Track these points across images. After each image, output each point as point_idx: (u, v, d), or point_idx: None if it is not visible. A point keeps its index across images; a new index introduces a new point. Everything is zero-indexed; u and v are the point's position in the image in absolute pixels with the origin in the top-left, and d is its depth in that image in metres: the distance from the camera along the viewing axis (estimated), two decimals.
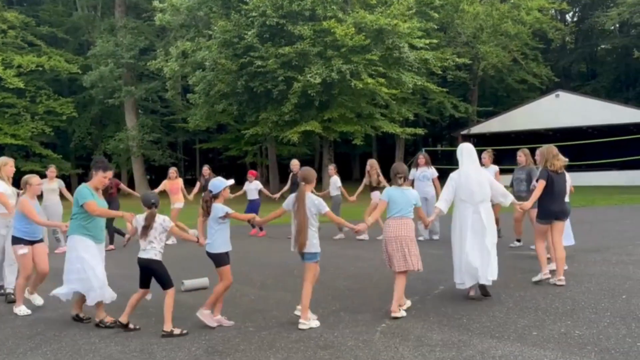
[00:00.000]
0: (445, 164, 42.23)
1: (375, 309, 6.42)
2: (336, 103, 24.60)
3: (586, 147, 29.06)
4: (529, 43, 35.26)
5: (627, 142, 26.26)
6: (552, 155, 7.29)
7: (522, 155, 10.24)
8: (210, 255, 6.01)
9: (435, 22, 27.85)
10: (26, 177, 7.07)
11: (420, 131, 27.30)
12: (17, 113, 32.25)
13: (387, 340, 5.31)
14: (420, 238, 10.89)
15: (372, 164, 12.45)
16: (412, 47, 24.39)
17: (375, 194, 11.80)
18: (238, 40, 23.44)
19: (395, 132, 26.39)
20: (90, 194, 6.20)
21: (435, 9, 27.47)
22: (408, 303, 6.39)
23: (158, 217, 5.87)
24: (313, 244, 5.81)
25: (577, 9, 45.47)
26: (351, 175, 41.22)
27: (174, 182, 13.07)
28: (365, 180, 12.50)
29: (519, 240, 10.45)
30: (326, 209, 5.91)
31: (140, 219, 5.89)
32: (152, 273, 5.92)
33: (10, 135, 31.54)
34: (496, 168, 11.42)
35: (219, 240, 5.96)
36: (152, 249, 5.86)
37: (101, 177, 6.35)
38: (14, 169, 7.82)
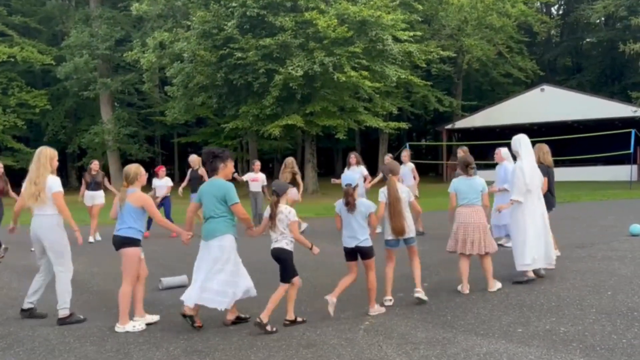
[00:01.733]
0: (430, 159, 42.53)
1: (358, 306, 6.42)
2: (318, 96, 24.59)
3: (571, 142, 29.39)
4: (514, 36, 35.57)
5: (612, 137, 26.59)
6: (543, 152, 8.09)
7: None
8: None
9: (419, 14, 27.98)
10: (136, 167, 6.20)
11: (404, 125, 27.41)
12: None
13: (370, 338, 5.31)
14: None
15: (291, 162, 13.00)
16: (396, 39, 24.45)
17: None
18: (217, 31, 23.31)
19: (378, 127, 26.45)
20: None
21: (419, 0, 27.55)
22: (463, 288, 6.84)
23: (280, 207, 5.85)
24: (412, 228, 6.47)
25: (562, 2, 45.90)
26: (334, 171, 41.25)
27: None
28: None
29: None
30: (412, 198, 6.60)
31: (267, 211, 5.95)
32: (280, 263, 5.87)
33: None
34: (412, 165, 12.39)
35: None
36: (283, 239, 5.82)
37: (231, 168, 6.18)
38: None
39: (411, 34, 24.80)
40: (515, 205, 7.26)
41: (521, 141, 7.34)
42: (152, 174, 13.91)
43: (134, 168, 6.16)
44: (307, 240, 5.93)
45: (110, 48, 32.09)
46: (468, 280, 6.83)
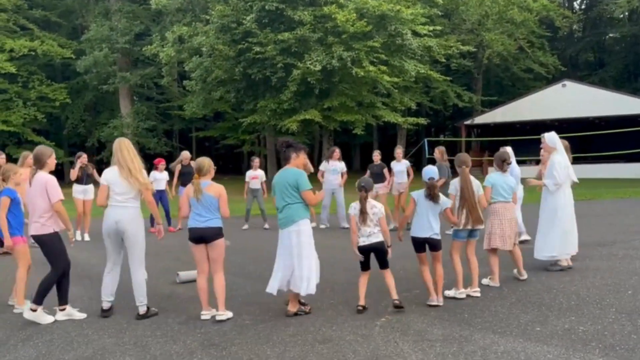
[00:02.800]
0: (449, 155, 42.03)
1: (374, 302, 6.42)
2: (336, 91, 24.54)
3: (592, 138, 29.07)
4: (536, 31, 35.18)
5: (634, 134, 26.24)
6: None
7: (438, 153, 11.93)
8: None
9: (439, 8, 27.74)
10: (206, 159, 6.27)
11: (422, 121, 27.25)
12: (9, 99, 32.13)
13: (386, 335, 5.31)
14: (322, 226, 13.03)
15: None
16: (415, 34, 24.31)
17: None
18: (236, 25, 23.35)
19: (397, 122, 26.35)
20: None
21: None
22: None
23: (369, 201, 6.06)
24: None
25: None
26: (352, 166, 41.20)
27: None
28: None
29: None
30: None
31: (356, 206, 6.11)
32: (378, 253, 6.12)
33: (2, 121, 31.43)
34: (408, 163, 12.89)
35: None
36: (378, 232, 6.05)
37: (303, 159, 6.36)
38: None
39: (431, 28, 24.64)
40: (547, 197, 7.71)
41: (556, 138, 7.83)
42: (151, 167, 13.89)
43: (207, 161, 6.24)
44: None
45: (130, 42, 32.28)
46: (478, 277, 6.81)
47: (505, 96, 38.46)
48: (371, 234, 6.02)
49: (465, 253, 6.68)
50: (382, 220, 6.09)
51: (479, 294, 6.50)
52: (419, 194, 6.30)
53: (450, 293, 6.51)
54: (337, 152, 13.08)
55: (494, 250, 6.99)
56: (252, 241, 11.58)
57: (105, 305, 6.29)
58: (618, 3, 33.28)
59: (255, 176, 13.58)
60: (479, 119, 33.90)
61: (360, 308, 6.05)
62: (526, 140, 25.31)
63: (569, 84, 31.03)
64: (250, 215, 13.73)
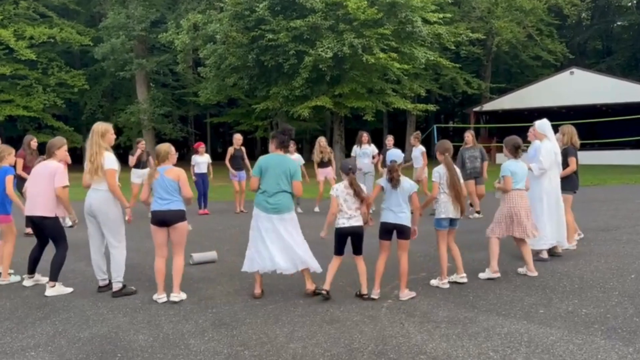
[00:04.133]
0: (458, 141, 41.87)
1: (381, 284, 6.41)
2: (347, 78, 24.43)
3: (600, 125, 28.79)
4: (544, 19, 34.78)
5: None
6: (574, 134, 8.03)
7: (470, 136, 11.58)
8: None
9: None
10: (168, 146, 6.29)
11: (432, 107, 27.08)
12: (29, 85, 32.31)
13: (392, 316, 5.31)
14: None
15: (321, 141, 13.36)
16: (425, 21, 24.10)
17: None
18: (249, 12, 23.25)
19: (406, 109, 26.21)
20: None
21: None
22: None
23: (361, 185, 5.99)
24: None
25: None
26: None
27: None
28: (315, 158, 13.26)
29: (478, 212, 11.46)
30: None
31: (340, 187, 5.90)
32: (358, 238, 5.95)
33: (23, 107, 31.69)
34: (423, 148, 12.68)
35: None
36: (357, 218, 5.88)
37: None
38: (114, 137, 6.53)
39: (441, 15, 24.41)
40: (532, 183, 7.17)
41: (548, 125, 7.50)
42: (190, 151, 13.93)
43: (165, 147, 6.23)
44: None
45: (146, 29, 32.25)
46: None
47: (513, 83, 38.15)
48: (352, 217, 5.85)
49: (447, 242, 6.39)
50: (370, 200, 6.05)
51: (465, 280, 6.37)
52: (384, 180, 5.99)
53: (434, 282, 6.34)
54: (365, 135, 12.81)
55: (498, 239, 6.69)
56: None
57: (101, 282, 6.48)
58: None
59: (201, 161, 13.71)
60: (488, 106, 33.65)
61: (325, 293, 5.84)
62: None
63: (577, 72, 30.69)
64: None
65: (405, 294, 5.90)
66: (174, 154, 6.25)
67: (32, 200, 6.43)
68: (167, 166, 6.13)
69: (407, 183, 5.90)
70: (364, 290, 5.93)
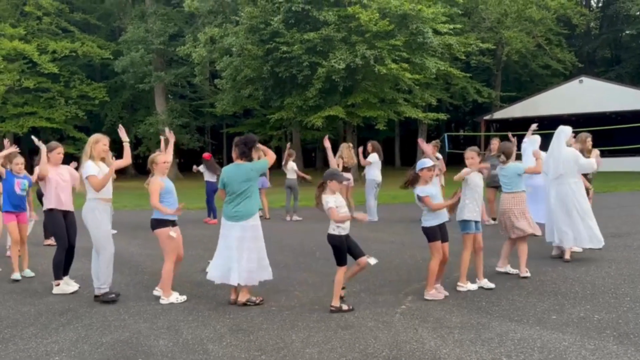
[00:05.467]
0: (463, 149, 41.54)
1: (395, 290, 6.40)
2: (360, 88, 24.47)
3: (609, 132, 28.48)
4: (553, 29, 34.59)
5: None
6: (587, 141, 8.41)
7: (496, 143, 11.53)
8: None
9: (460, 7, 27.43)
10: (152, 155, 6.37)
11: (442, 116, 27.04)
12: (52, 97, 32.73)
13: (406, 322, 5.28)
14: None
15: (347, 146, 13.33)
16: (436, 32, 24.09)
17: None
18: (264, 26, 23.41)
19: (418, 117, 26.17)
20: None
21: None
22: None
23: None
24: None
25: None
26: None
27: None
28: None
29: (494, 219, 11.12)
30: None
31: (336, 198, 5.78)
32: (351, 246, 5.81)
33: (46, 118, 32.08)
34: (440, 156, 12.26)
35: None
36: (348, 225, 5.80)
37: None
38: (107, 148, 6.48)
39: (451, 26, 24.40)
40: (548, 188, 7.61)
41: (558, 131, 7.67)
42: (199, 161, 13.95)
43: (151, 157, 6.37)
44: None
45: (164, 43, 32.56)
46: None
47: (523, 92, 37.90)
48: (343, 227, 5.75)
49: (469, 246, 6.37)
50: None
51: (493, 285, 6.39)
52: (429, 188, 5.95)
53: (472, 286, 6.31)
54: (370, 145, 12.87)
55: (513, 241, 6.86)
56: (275, 232, 11.58)
57: (96, 291, 6.41)
58: (635, 0, 32.55)
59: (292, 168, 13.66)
60: (498, 114, 33.47)
61: (338, 308, 5.65)
62: (543, 134, 24.94)
63: (586, 80, 30.48)
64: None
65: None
66: (158, 163, 6.27)
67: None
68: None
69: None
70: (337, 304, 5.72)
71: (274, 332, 5.15)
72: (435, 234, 5.94)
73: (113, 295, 6.35)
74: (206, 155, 13.94)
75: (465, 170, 6.31)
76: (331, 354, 4.57)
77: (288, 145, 15.03)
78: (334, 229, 5.71)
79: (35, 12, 32.29)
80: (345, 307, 5.68)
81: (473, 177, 6.29)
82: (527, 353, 4.38)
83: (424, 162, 6.00)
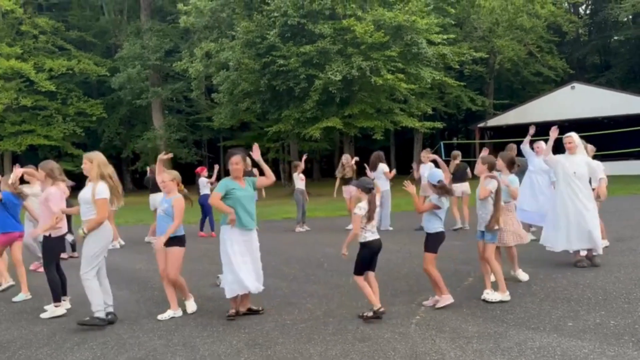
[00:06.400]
0: (462, 157, 41.73)
1: (407, 301, 6.34)
2: (356, 99, 24.50)
3: (602, 137, 28.56)
4: (544, 36, 34.82)
5: None
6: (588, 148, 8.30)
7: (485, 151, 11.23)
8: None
9: (452, 17, 27.56)
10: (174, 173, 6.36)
11: (439, 125, 27.09)
12: (50, 115, 32.65)
13: (423, 332, 5.23)
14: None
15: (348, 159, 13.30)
16: (430, 42, 24.17)
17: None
18: (260, 40, 23.42)
19: (414, 127, 26.21)
20: None
21: (451, 4, 27.23)
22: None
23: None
24: None
25: (590, 2, 44.75)
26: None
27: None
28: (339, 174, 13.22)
29: None
30: None
31: (363, 205, 5.79)
32: (377, 254, 5.89)
33: (44, 136, 31.99)
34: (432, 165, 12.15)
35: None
36: (376, 231, 5.84)
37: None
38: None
39: (445, 36, 24.49)
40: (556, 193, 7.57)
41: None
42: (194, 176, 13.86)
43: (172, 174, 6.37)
44: None
45: (160, 59, 32.58)
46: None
47: (515, 99, 38.06)
48: (374, 231, 5.81)
49: (490, 255, 6.20)
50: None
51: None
52: (435, 198, 5.91)
53: (497, 296, 6.07)
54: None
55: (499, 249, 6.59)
56: (282, 243, 11.51)
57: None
58: (623, 7, 32.81)
59: (302, 178, 13.56)
60: (492, 122, 33.57)
61: (382, 310, 5.73)
62: (537, 140, 25.02)
63: (578, 86, 30.63)
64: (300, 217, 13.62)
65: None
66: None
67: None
68: (172, 195, 6.24)
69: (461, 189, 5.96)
70: (379, 305, 5.74)
71: (290, 346, 5.09)
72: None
73: (98, 319, 6.02)
74: (199, 169, 13.85)
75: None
76: None
77: (304, 157, 14.86)
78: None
79: (31, 31, 32.28)
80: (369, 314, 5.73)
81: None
82: None
83: (437, 175, 5.99)
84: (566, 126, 29.58)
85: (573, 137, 7.65)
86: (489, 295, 6.09)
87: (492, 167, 6.27)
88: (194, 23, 26.89)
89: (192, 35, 31.42)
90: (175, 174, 6.39)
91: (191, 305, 6.39)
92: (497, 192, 6.07)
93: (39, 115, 32.60)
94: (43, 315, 6.51)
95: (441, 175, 6.00)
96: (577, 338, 4.81)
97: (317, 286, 7.39)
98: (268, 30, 23.06)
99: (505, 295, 6.04)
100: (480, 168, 6.37)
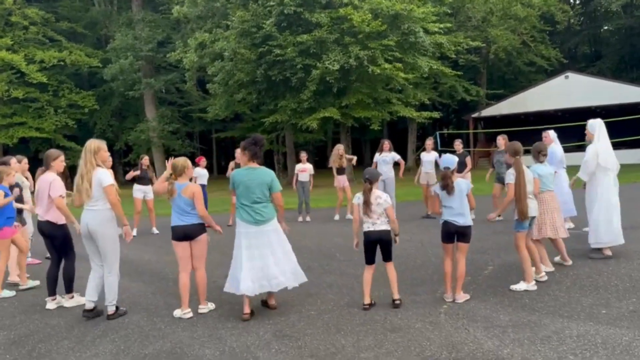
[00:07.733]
0: (452, 147, 41.62)
1: (430, 290, 6.25)
2: (353, 89, 24.28)
3: None
4: (537, 26, 34.77)
5: (636, 121, 25.85)
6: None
7: (502, 140, 11.31)
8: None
9: (447, 6, 27.40)
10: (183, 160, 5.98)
11: (436, 114, 26.96)
12: (41, 107, 32.13)
13: (454, 322, 5.12)
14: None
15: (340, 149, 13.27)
16: (427, 31, 24.01)
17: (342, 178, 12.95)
18: (256, 29, 23.11)
19: (411, 116, 26.08)
20: None
21: None
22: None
23: (373, 192, 5.70)
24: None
25: None
26: (363, 161, 40.89)
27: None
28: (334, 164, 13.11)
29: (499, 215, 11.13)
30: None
31: (359, 194, 5.74)
32: (383, 244, 5.72)
33: (35, 128, 31.49)
34: (437, 154, 12.13)
35: None
36: (382, 222, 5.67)
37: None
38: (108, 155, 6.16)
39: (441, 25, 24.34)
40: (592, 185, 7.27)
41: (601, 125, 7.43)
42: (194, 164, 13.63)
43: (181, 161, 5.94)
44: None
45: (153, 50, 32.11)
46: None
47: (508, 89, 38.07)
48: (375, 223, 5.66)
49: (519, 244, 6.05)
50: (390, 210, 5.69)
51: (545, 277, 6.22)
52: (438, 187, 5.83)
53: (522, 286, 5.97)
54: (386, 143, 12.40)
55: (539, 241, 6.52)
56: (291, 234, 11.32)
57: (88, 305, 5.96)
58: None
59: (303, 169, 13.37)
60: (486, 112, 33.53)
61: (367, 307, 5.65)
62: (530, 130, 25.05)
63: (572, 76, 30.64)
64: (302, 207, 13.45)
65: (461, 297, 5.74)
66: (190, 168, 6.00)
67: (39, 210, 6.44)
68: (184, 183, 5.85)
69: (463, 184, 5.78)
70: (396, 296, 5.71)
71: (320, 337, 4.97)
72: None
73: (124, 309, 6.08)
74: (197, 159, 13.67)
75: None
76: (388, 358, 4.39)
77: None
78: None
79: (21, 22, 31.67)
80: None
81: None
82: (592, 350, 4.25)
83: (451, 161, 5.83)
84: (559, 115, 29.74)
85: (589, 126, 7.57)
86: (516, 285, 6.00)
87: (516, 153, 6.13)
88: (187, 13, 26.53)
89: (184, 25, 31.03)
90: (182, 162, 5.97)
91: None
92: (517, 184, 5.92)
93: (30, 108, 32.06)
94: (67, 304, 6.53)
95: (453, 162, 5.81)
96: (615, 326, 4.73)
97: (335, 277, 7.27)
98: (264, 19, 22.76)
99: (531, 285, 5.95)
100: (507, 158, 6.33)
